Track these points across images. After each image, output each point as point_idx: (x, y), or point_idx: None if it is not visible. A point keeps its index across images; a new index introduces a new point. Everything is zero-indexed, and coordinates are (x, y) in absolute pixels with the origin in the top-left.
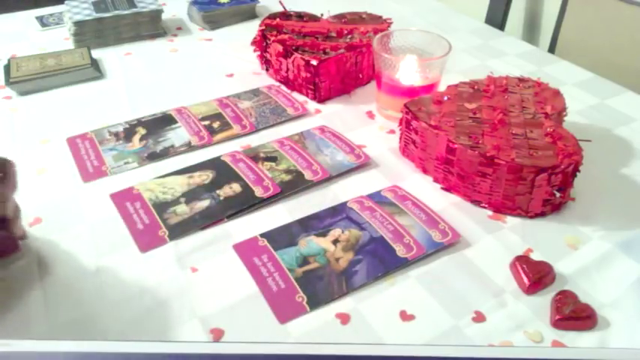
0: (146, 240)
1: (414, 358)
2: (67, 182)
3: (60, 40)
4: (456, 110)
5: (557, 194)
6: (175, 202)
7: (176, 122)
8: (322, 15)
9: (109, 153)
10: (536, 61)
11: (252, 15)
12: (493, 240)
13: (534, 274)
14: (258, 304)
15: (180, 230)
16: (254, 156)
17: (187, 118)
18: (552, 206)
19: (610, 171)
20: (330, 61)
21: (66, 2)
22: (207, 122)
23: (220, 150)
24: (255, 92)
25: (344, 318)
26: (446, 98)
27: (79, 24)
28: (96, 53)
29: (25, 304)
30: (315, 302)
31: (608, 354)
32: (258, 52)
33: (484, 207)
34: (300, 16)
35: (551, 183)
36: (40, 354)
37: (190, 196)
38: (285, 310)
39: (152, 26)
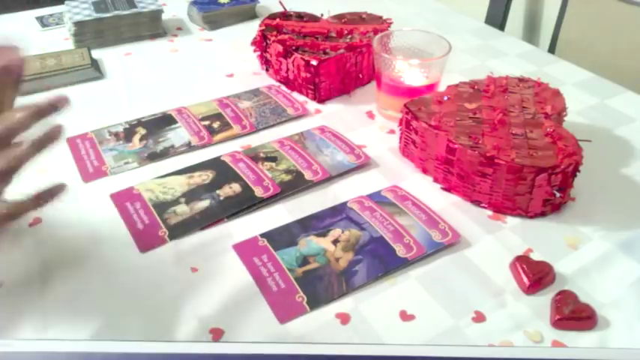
0: (146, 240)
1: (414, 358)
2: (67, 182)
3: (60, 40)
4: (456, 110)
5: (557, 194)
6: (175, 202)
7: (176, 122)
8: (322, 15)
9: (109, 153)
10: (536, 61)
11: (252, 15)
12: (493, 240)
13: (534, 274)
14: (258, 304)
15: (180, 230)
16: (254, 156)
17: (187, 118)
18: (552, 206)
19: (610, 171)
20: (330, 61)
21: (66, 2)
22: (207, 122)
23: (220, 150)
24: (255, 92)
25: (344, 318)
26: (446, 98)
27: (79, 24)
28: (96, 53)
29: (25, 304)
30: (315, 302)
31: (608, 354)
32: (258, 52)
33: (484, 207)
34: (300, 16)
35: (551, 183)
36: (40, 354)
37: (190, 196)
38: (285, 310)
39: (152, 26)
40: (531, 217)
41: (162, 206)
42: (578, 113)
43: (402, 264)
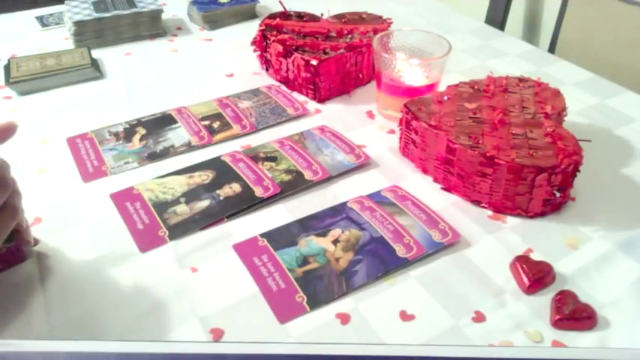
0: (146, 240)
1: (414, 358)
2: (67, 182)
3: (60, 40)
4: (456, 110)
5: (557, 194)
6: (175, 202)
7: (176, 122)
8: (322, 15)
9: (109, 153)
10: (536, 61)
11: (252, 15)
12: (493, 240)
13: (534, 274)
14: (258, 304)
15: (180, 230)
16: (254, 156)
17: (187, 118)
18: (552, 206)
19: (610, 171)
20: (330, 61)
21: (66, 2)
22: (207, 122)
23: (220, 150)
24: (255, 92)
25: (344, 318)
26: (446, 98)
27: (79, 24)
28: (96, 53)
29: (26, 304)
30: (315, 302)
31: (608, 354)
32: (258, 52)
33: (484, 207)
34: (300, 16)
35: (551, 183)
36: (40, 354)
37: (190, 196)
38: (285, 310)
39: (152, 26)
40: (531, 217)
41: (162, 206)
42: (578, 113)
43: (402, 264)
